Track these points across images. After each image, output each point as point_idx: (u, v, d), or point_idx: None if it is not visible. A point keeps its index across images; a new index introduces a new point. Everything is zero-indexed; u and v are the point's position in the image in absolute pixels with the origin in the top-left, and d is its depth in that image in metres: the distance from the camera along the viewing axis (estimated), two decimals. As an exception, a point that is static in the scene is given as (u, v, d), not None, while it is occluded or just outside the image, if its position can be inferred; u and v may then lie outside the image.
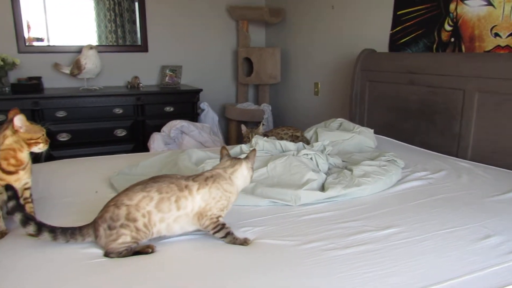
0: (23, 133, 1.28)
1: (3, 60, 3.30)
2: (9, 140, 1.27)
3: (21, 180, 1.32)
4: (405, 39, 2.76)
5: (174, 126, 3.38)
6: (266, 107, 3.98)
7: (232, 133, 4.14)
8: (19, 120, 1.26)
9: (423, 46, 2.65)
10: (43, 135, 1.33)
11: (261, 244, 1.27)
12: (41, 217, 1.35)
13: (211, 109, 4.02)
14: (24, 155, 1.31)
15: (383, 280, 1.08)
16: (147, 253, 1.19)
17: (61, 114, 3.35)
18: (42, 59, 3.61)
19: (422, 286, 1.07)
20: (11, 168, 1.29)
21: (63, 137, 3.36)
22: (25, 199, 1.35)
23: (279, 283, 1.06)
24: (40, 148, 1.33)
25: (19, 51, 3.52)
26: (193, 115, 3.82)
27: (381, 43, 2.93)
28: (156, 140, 3.31)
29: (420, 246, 1.27)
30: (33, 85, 3.43)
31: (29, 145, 1.30)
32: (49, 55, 3.63)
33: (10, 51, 3.45)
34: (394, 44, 2.84)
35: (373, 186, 1.71)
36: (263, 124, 3.93)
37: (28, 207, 1.34)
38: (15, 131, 1.27)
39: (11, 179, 1.28)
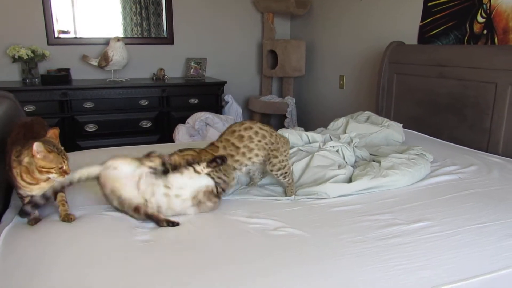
0: (38, 159, 1.25)
1: (33, 52, 3.38)
2: (26, 160, 1.27)
3: (44, 188, 1.33)
4: (435, 31, 2.70)
5: (199, 118, 3.40)
6: (290, 100, 3.96)
7: (256, 126, 4.14)
8: (37, 147, 1.24)
9: (454, 38, 2.59)
10: (60, 167, 1.28)
11: (289, 234, 1.27)
12: (72, 204, 1.40)
13: (235, 102, 4.03)
14: (40, 176, 1.29)
15: (415, 273, 1.07)
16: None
17: (88, 105, 3.41)
18: (70, 51, 3.68)
19: (454, 280, 1.06)
20: (32, 181, 1.30)
21: (90, 128, 3.43)
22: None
23: (307, 273, 1.06)
24: (53, 177, 1.29)
25: (49, 43, 3.59)
26: (217, 107, 3.84)
27: (410, 35, 2.87)
28: (181, 132, 3.34)
29: (452, 240, 1.25)
30: (62, 76, 3.50)
31: (40, 172, 1.27)
32: (77, 47, 3.70)
33: (40, 43, 3.53)
34: (424, 36, 2.78)
35: (402, 178, 1.69)
36: (286, 117, 3.94)
37: (59, 196, 1.37)
38: (32, 155, 1.26)
39: (33, 188, 1.31)
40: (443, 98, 2.50)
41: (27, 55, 3.33)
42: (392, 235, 1.27)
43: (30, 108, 3.21)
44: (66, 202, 1.37)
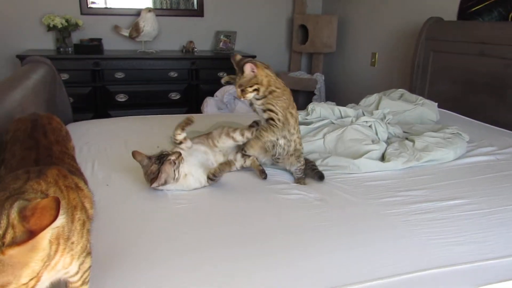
0: None
1: (67, 21, 3.42)
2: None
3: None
4: (477, 7, 2.58)
5: (227, 91, 3.39)
6: (319, 77, 3.90)
7: (283, 102, 4.10)
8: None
9: (497, 15, 2.47)
10: None
11: (321, 203, 1.27)
12: (108, 166, 1.43)
13: (264, 77, 3.99)
14: None
15: (449, 248, 1.05)
16: None
17: (119, 75, 3.45)
18: (103, 21, 3.71)
19: (490, 257, 1.03)
20: None
21: (121, 98, 3.48)
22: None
23: (342, 246, 1.06)
24: None
25: (82, 13, 3.62)
26: (246, 81, 3.81)
27: (449, 11, 2.76)
28: (210, 105, 3.35)
29: (487, 219, 1.22)
30: (94, 46, 3.53)
31: None
32: (109, 18, 3.72)
33: (74, 13, 3.56)
34: (464, 12, 2.66)
35: (436, 157, 1.65)
36: (314, 94, 3.88)
37: None
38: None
39: None
40: (482, 78, 2.40)
41: (61, 24, 3.37)
42: (425, 210, 1.25)
43: (64, 76, 3.26)
44: None
